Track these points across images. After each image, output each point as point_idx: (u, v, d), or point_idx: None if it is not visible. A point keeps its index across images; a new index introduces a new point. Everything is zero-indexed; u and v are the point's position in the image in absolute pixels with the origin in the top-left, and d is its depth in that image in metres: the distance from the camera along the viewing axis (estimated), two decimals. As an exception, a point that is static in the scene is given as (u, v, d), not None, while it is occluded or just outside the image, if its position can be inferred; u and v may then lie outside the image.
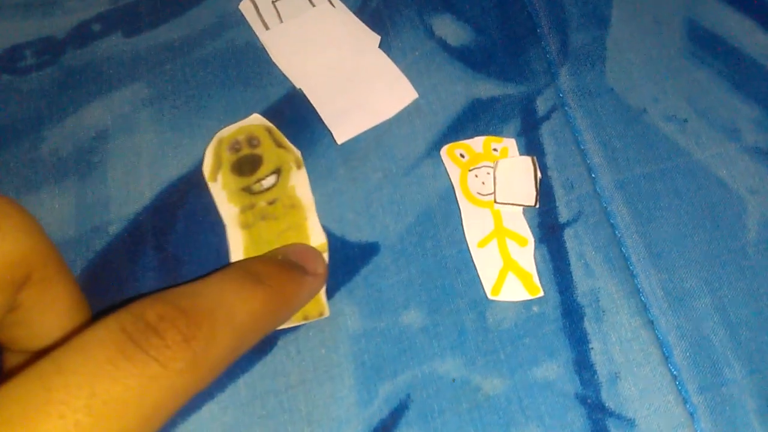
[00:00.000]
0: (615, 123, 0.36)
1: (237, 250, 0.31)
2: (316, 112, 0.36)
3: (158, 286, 0.32)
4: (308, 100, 0.36)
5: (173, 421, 0.28)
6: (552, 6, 0.40)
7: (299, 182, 0.33)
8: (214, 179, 0.33)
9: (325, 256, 0.31)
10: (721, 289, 0.31)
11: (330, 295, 0.31)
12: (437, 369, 0.30)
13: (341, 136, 0.35)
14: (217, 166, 0.33)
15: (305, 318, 0.30)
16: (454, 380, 0.29)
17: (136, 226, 0.33)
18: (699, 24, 0.39)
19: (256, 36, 0.38)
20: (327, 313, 0.30)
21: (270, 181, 0.33)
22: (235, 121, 0.35)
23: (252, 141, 0.34)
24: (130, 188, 0.34)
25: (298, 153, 0.34)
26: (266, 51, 0.38)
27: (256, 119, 0.35)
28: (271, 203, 0.32)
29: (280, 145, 0.34)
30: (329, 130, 0.35)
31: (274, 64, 0.37)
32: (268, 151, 0.34)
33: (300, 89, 0.36)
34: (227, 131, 0.34)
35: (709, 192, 0.34)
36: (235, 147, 0.34)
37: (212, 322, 0.22)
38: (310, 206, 0.32)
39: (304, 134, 0.35)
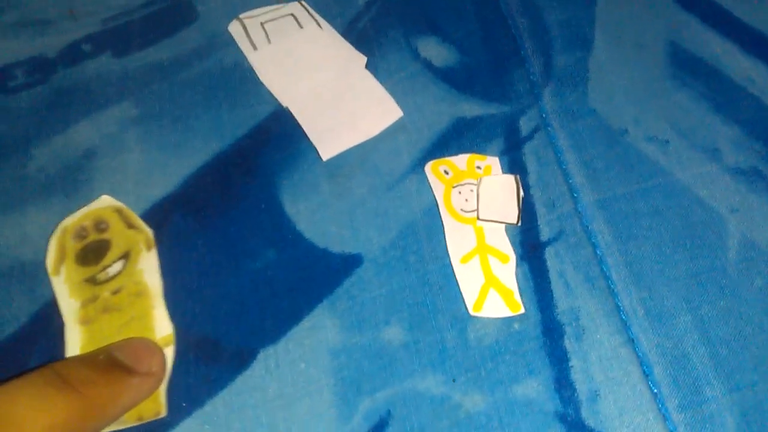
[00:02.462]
0: (597, 143, 0.36)
1: (73, 349, 0.29)
2: (302, 130, 0.36)
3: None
4: (295, 119, 0.36)
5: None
6: (536, 28, 0.40)
7: (148, 266, 0.31)
8: (57, 273, 0.31)
9: (170, 349, 0.29)
10: (701, 308, 0.31)
11: (311, 308, 0.31)
12: (418, 385, 0.30)
13: (326, 152, 0.35)
14: (60, 258, 0.31)
15: (139, 419, 0.28)
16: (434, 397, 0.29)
17: (121, 243, 0.33)
18: (681, 47, 0.40)
19: (245, 56, 0.39)
20: (164, 413, 0.28)
21: (116, 267, 0.31)
22: (222, 141, 0.36)
23: (100, 225, 0.32)
24: (116, 207, 0.35)
25: (149, 232, 0.33)
26: (254, 71, 0.39)
27: (104, 201, 0.33)
28: (115, 293, 0.30)
29: (131, 225, 0.32)
30: (315, 147, 0.35)
31: (262, 84, 0.38)
32: (117, 235, 0.32)
33: (287, 108, 0.37)
34: (72, 219, 0.32)
35: (690, 211, 0.34)
36: (81, 234, 0.32)
37: None
38: (158, 293, 0.31)
39: (290, 150, 0.36)
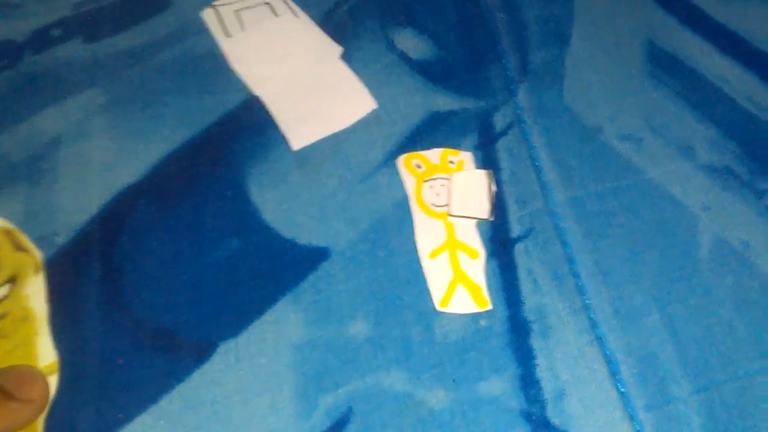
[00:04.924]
0: (570, 141, 0.36)
1: None
2: (273, 119, 0.35)
3: (101, 298, 0.31)
4: (266, 108, 0.36)
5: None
6: (514, 24, 0.40)
7: (35, 290, 0.30)
8: None
9: (53, 378, 0.28)
10: (670, 306, 0.31)
11: (274, 300, 0.30)
12: (381, 381, 0.29)
13: (297, 142, 0.35)
14: None
15: None
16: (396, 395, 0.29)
17: (83, 236, 0.32)
18: (658, 45, 0.39)
19: (217, 44, 0.38)
20: None
21: (2, 291, 0.30)
22: (190, 128, 0.35)
23: None
24: (79, 197, 0.34)
25: (38, 256, 0.31)
26: (226, 58, 0.38)
27: None
28: (0, 318, 0.29)
29: (20, 247, 0.31)
30: (285, 137, 0.35)
31: (233, 72, 0.37)
32: (4, 257, 0.31)
33: (258, 96, 0.36)
34: None
35: (662, 209, 0.34)
36: None
37: None
38: (43, 319, 0.29)
39: (260, 139, 0.35)
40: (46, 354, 0.29)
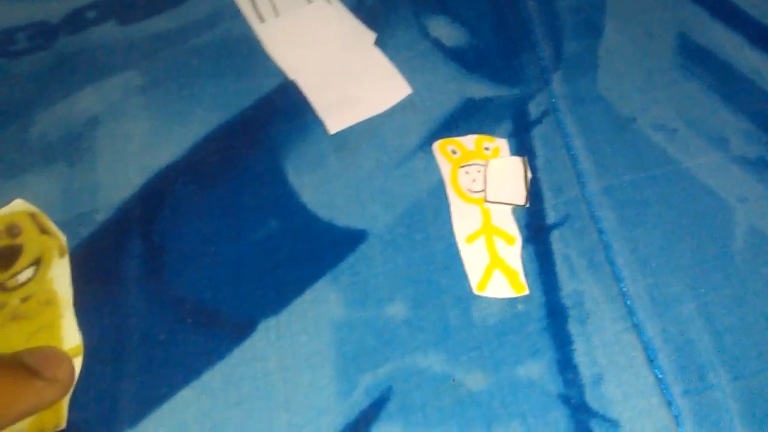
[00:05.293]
0: (605, 130, 0.36)
1: None
2: (309, 104, 0.35)
3: (142, 275, 0.31)
4: (301, 92, 0.36)
5: (147, 408, 0.28)
6: (547, 13, 0.40)
7: (59, 273, 0.30)
8: None
9: (78, 360, 0.28)
10: (707, 295, 0.31)
11: (314, 280, 0.31)
12: (420, 362, 0.29)
13: (334, 126, 0.35)
14: None
15: (40, 430, 0.27)
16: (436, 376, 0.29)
17: (123, 213, 0.33)
18: (690, 38, 0.39)
19: (251, 28, 0.39)
20: (63, 425, 0.27)
21: (27, 274, 0.30)
22: (227, 111, 0.35)
23: (12, 230, 0.31)
24: (118, 175, 0.34)
25: (63, 239, 0.31)
26: (261, 43, 0.38)
27: (18, 205, 0.32)
28: (24, 300, 0.29)
29: (44, 230, 0.31)
30: (322, 121, 0.35)
31: (268, 57, 0.37)
32: (29, 240, 0.31)
33: (294, 80, 0.36)
34: None
35: (697, 200, 0.34)
36: None
37: None
38: (68, 302, 0.30)
39: (296, 123, 0.35)
40: (70, 336, 0.29)
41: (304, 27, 0.38)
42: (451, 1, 0.40)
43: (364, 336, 0.29)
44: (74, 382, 0.28)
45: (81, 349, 0.29)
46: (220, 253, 0.31)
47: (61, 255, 0.31)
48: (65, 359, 0.28)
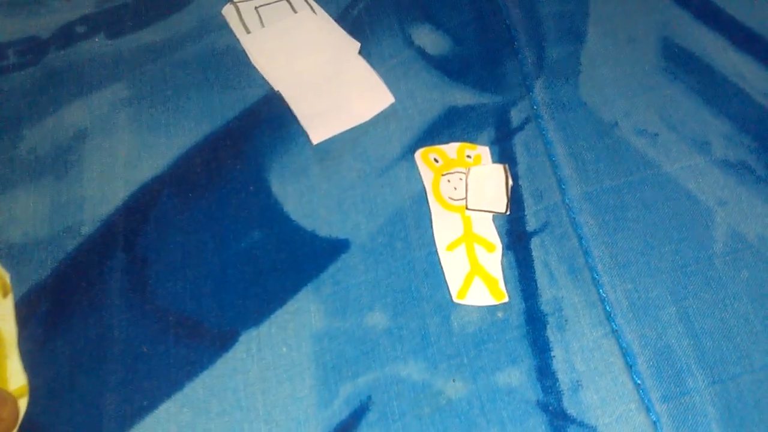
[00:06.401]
0: (586, 136, 0.36)
1: None
2: (293, 114, 0.36)
3: (125, 287, 0.31)
4: (285, 103, 0.36)
5: (129, 422, 0.28)
6: (530, 20, 0.40)
7: (3, 313, 0.29)
8: None
9: (24, 401, 0.28)
10: (686, 299, 0.31)
11: (296, 291, 0.31)
12: (400, 372, 0.30)
13: (317, 136, 0.35)
14: None
15: None
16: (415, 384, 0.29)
17: (107, 227, 0.33)
18: (673, 41, 0.40)
19: (237, 40, 0.39)
20: None
21: None
22: (212, 122, 0.36)
23: None
24: (104, 188, 0.34)
25: (6, 278, 0.30)
26: (246, 54, 0.38)
27: None
28: None
29: None
30: (305, 131, 0.35)
31: (254, 67, 0.38)
32: None
33: (278, 91, 0.37)
34: None
35: (678, 203, 0.34)
36: None
37: None
38: (12, 342, 0.29)
39: (280, 134, 0.35)
40: (15, 377, 0.28)
41: (289, 37, 0.39)
42: (435, 10, 0.41)
43: (344, 346, 0.30)
44: (18, 423, 0.28)
45: (26, 389, 0.28)
46: (203, 265, 0.32)
47: (5, 294, 0.30)
48: (10, 399, 0.27)
